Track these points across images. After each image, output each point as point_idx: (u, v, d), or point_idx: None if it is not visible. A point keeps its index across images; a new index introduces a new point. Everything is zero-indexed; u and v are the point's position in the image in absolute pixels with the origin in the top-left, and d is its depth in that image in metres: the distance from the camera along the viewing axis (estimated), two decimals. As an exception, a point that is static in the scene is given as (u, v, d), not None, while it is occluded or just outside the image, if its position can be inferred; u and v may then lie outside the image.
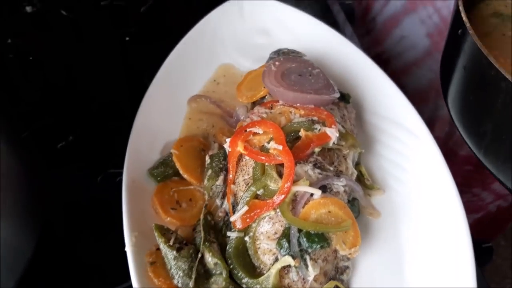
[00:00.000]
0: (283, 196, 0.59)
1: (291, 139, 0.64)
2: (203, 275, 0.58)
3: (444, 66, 0.66)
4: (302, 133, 0.63)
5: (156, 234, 0.59)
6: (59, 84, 0.94)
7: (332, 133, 0.63)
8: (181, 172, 0.69)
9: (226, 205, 0.67)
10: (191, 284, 0.56)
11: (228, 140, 0.66)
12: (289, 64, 0.73)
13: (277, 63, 0.72)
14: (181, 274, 0.57)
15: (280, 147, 0.61)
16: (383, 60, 1.12)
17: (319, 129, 0.64)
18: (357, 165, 0.71)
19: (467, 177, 1.14)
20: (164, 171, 0.70)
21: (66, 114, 0.91)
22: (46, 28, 1.02)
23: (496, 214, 1.24)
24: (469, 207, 1.24)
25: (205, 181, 0.69)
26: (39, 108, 0.91)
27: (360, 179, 0.70)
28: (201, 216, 0.63)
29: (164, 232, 0.60)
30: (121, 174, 0.76)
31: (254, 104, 0.75)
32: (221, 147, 0.74)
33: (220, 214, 0.67)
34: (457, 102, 0.62)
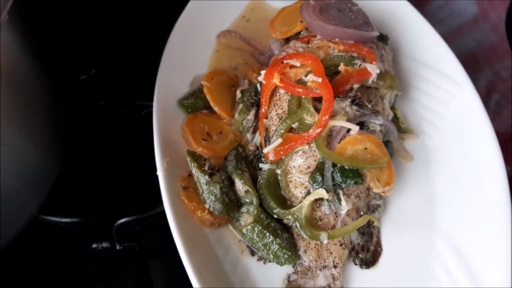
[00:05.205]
0: (319, 129, 0.57)
1: (330, 74, 0.62)
2: (234, 201, 0.58)
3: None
4: (341, 67, 0.61)
5: (188, 159, 0.58)
6: (79, 14, 0.90)
7: (373, 69, 0.61)
8: (211, 104, 0.68)
9: (257, 139, 0.66)
10: (222, 208, 0.55)
11: (262, 72, 0.63)
12: (328, -1, 0.70)
13: (316, -3, 0.69)
14: (212, 199, 0.56)
15: (319, 80, 0.59)
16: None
17: (360, 65, 0.61)
18: (392, 108, 0.69)
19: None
20: (194, 102, 0.68)
21: (89, 47, 0.88)
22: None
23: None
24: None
25: (236, 115, 0.67)
26: (62, 40, 0.88)
27: (395, 122, 0.68)
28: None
29: (196, 158, 0.59)
30: (147, 106, 0.75)
31: (287, 40, 0.72)
32: (251, 84, 0.71)
33: (251, 148, 0.66)
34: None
